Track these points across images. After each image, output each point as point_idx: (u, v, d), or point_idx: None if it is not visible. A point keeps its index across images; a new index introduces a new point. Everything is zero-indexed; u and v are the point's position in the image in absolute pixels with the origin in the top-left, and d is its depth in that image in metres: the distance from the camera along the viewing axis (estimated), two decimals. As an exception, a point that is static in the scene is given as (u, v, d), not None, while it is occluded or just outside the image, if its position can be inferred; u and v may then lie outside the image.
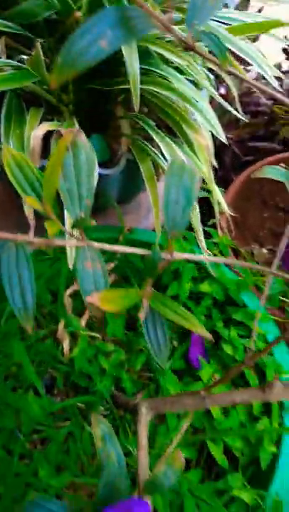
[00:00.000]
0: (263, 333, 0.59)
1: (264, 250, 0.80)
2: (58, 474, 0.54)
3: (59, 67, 0.21)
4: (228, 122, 0.89)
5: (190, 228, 0.63)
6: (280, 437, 0.53)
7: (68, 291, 0.65)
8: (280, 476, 0.50)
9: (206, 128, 0.47)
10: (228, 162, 0.85)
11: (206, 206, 0.73)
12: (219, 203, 0.56)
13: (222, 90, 0.97)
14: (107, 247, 0.27)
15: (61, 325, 0.63)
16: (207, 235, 0.66)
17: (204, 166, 0.50)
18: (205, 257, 0.33)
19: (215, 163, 0.53)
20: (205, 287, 0.61)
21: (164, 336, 0.29)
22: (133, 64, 0.39)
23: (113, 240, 0.65)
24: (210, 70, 0.66)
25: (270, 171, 0.39)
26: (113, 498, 0.27)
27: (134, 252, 0.27)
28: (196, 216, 0.51)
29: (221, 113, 0.87)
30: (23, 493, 0.51)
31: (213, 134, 0.51)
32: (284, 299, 0.64)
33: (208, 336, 0.27)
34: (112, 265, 0.67)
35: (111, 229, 0.67)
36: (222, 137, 0.48)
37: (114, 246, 0.28)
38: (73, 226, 0.28)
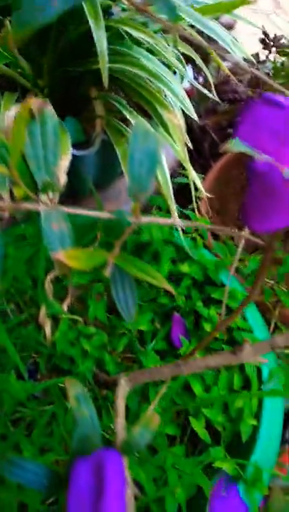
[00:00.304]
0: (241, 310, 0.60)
1: (243, 233, 0.81)
2: (42, 455, 0.54)
3: (16, 26, 0.21)
4: (207, 110, 0.90)
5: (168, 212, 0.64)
6: (259, 410, 0.54)
7: (49, 277, 0.65)
8: (260, 447, 0.51)
9: (178, 106, 0.48)
10: (208, 149, 0.86)
11: (186, 193, 0.74)
12: (197, 187, 0.56)
13: (200, 80, 0.98)
14: (72, 210, 0.28)
15: (42, 309, 0.64)
16: (187, 218, 0.67)
17: (179, 146, 0.51)
18: (176, 220, 0.34)
19: (189, 144, 0.54)
20: (184, 268, 0.62)
21: (132, 295, 0.29)
22: (101, 40, 0.40)
23: (91, 225, 0.66)
24: (188, 60, 0.67)
25: (237, 144, 0.40)
26: (86, 451, 0.28)
27: (100, 217, 0.28)
28: (166, 184, 0.52)
29: (199, 100, 0.88)
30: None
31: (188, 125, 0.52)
32: (266, 280, 0.65)
33: (170, 288, 0.28)
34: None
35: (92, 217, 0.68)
36: (194, 116, 0.49)
37: (78, 210, 0.28)
38: (41, 191, 0.28)
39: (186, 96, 0.54)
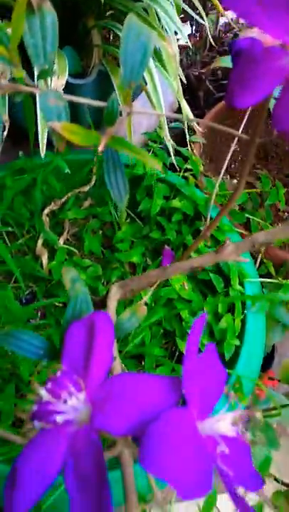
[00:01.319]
0: (230, 243, 0.63)
1: (234, 181, 0.83)
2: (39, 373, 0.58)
3: None
4: (203, 61, 0.91)
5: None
6: (242, 331, 0.57)
7: (46, 211, 0.68)
8: (242, 362, 0.55)
9: (174, 36, 0.50)
10: (203, 98, 0.88)
11: (181, 140, 0.76)
12: (191, 129, 0.58)
13: (197, 33, 0.99)
14: (68, 97, 0.30)
15: (40, 241, 0.66)
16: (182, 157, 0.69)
17: (172, 79, 0.53)
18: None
19: (183, 78, 0.56)
20: (176, 203, 0.64)
21: (123, 179, 0.32)
22: None
23: (87, 161, 0.68)
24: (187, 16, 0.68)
25: (224, 60, 0.42)
26: (79, 318, 0.31)
27: (93, 105, 0.30)
28: (159, 104, 0.54)
29: (196, 51, 0.89)
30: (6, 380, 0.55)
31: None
32: (252, 217, 0.68)
33: (159, 167, 0.31)
34: (86, 188, 0.70)
35: (86, 151, 0.70)
36: (187, 40, 0.51)
37: (74, 97, 0.31)
38: (38, 77, 0.30)
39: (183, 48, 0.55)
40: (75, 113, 0.64)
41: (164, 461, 0.20)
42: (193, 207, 0.65)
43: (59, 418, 0.24)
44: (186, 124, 0.59)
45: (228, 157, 0.59)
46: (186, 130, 0.60)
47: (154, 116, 0.79)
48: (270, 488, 0.72)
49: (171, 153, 0.59)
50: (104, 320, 0.29)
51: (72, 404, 0.25)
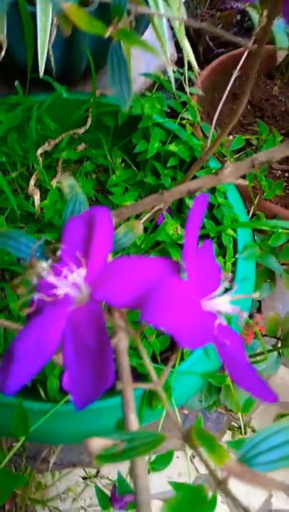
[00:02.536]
0: (223, 190, 0.63)
1: (230, 138, 0.83)
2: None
3: None
4: (203, 17, 0.90)
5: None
6: (233, 275, 0.58)
7: (39, 151, 0.67)
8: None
9: None
10: (202, 53, 0.87)
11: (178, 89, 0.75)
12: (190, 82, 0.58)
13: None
14: None
15: (32, 180, 0.66)
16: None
17: (175, 9, 0.52)
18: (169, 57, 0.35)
19: (184, 13, 0.55)
20: (172, 147, 0.64)
21: (126, 77, 0.32)
22: None
23: (83, 102, 0.67)
24: None
25: None
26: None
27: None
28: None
29: (198, 4, 0.88)
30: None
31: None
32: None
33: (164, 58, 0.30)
34: (82, 130, 0.69)
35: (82, 93, 0.69)
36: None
37: None
38: None
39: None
40: (71, 51, 0.62)
41: (168, 313, 0.20)
42: (190, 153, 0.64)
43: (60, 291, 0.24)
44: (186, 63, 0.59)
45: (220, 106, 0.59)
46: (186, 69, 0.59)
47: (153, 62, 0.78)
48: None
49: (172, 85, 0.58)
50: (104, 213, 0.29)
51: (73, 280, 0.25)
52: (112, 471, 0.87)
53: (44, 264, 0.24)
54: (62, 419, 0.51)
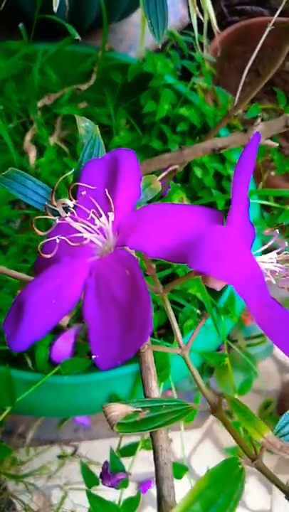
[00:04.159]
0: (234, 161, 0.59)
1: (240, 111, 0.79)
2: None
3: None
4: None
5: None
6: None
7: (39, 104, 0.61)
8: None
9: None
10: (215, 19, 0.81)
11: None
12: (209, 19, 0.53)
13: None
14: None
15: (28, 136, 0.60)
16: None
17: None
18: None
19: None
20: (183, 111, 0.59)
21: (163, 5, 0.27)
22: None
23: (89, 55, 0.61)
24: None
25: None
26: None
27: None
28: None
29: None
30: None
31: None
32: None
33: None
34: (85, 86, 0.64)
35: (89, 46, 0.63)
36: None
37: None
38: None
39: None
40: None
41: (224, 261, 0.17)
42: (201, 118, 0.60)
43: (87, 235, 0.20)
44: (205, 22, 0.54)
45: (245, 73, 0.54)
46: (205, 28, 0.55)
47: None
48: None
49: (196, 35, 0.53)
50: (131, 155, 0.25)
51: (101, 225, 0.20)
52: (90, 450, 0.85)
53: (68, 202, 0.20)
54: (50, 392, 0.48)
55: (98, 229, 0.20)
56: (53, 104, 0.62)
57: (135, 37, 0.73)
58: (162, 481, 0.19)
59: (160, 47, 0.67)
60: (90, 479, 0.48)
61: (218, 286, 0.20)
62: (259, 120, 0.35)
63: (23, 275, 0.25)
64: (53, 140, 0.62)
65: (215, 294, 0.51)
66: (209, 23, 0.79)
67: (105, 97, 0.63)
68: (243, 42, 0.80)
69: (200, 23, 0.63)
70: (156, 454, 0.20)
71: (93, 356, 0.18)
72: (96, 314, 0.19)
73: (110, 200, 0.21)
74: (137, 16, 0.71)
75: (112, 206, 0.21)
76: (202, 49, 0.73)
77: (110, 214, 0.20)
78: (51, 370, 0.47)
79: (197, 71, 0.61)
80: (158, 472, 0.19)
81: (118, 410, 0.19)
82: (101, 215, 0.20)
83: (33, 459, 0.79)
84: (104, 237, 0.21)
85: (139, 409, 0.19)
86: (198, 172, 0.58)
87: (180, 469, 0.47)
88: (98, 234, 0.20)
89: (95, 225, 0.20)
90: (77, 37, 0.49)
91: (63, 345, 0.52)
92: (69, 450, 0.85)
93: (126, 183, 0.24)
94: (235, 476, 0.17)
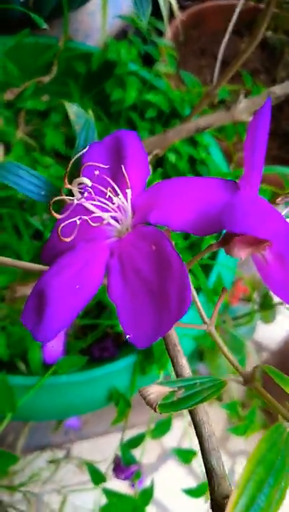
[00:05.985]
0: (205, 144, 0.59)
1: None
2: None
3: None
4: None
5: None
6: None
7: (2, 98, 0.59)
8: (222, 255, 0.53)
9: None
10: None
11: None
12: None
13: None
14: None
15: (-6, 132, 0.58)
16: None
17: None
18: None
19: None
20: (151, 97, 0.59)
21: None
22: None
23: (49, 46, 0.60)
24: None
25: None
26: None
27: None
28: None
29: None
30: None
31: None
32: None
33: None
34: (47, 79, 0.62)
35: (48, 36, 0.61)
36: None
37: None
38: None
39: None
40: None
41: (261, 220, 0.17)
42: (169, 104, 0.60)
43: (106, 215, 0.19)
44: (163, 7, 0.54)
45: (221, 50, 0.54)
46: (166, 13, 0.54)
47: (123, 7, 0.72)
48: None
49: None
50: (133, 136, 0.24)
51: (120, 203, 0.20)
52: (82, 451, 0.84)
53: (85, 180, 0.19)
54: (48, 394, 0.46)
55: (117, 207, 0.20)
56: (16, 99, 0.59)
57: (91, 26, 0.72)
58: (210, 454, 0.19)
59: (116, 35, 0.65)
60: (96, 477, 0.47)
61: (243, 254, 0.20)
62: (242, 96, 0.35)
63: (28, 264, 0.24)
64: (19, 135, 0.60)
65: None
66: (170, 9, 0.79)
67: (69, 88, 0.62)
68: (198, 26, 0.81)
69: (157, 8, 0.62)
70: (198, 428, 0.20)
71: (127, 336, 0.18)
72: (123, 294, 0.19)
73: (126, 176, 0.21)
74: (92, 4, 0.70)
75: (129, 184, 0.21)
76: (161, 35, 0.73)
77: (128, 191, 0.20)
78: (46, 373, 0.45)
79: (160, 57, 0.61)
80: (203, 445, 0.19)
81: (156, 392, 0.19)
82: (118, 194, 0.20)
83: (25, 466, 0.77)
84: (124, 215, 0.20)
85: (175, 389, 0.19)
86: (172, 157, 0.58)
87: (187, 454, 0.47)
88: (117, 212, 0.20)
89: (114, 203, 0.19)
90: (45, 26, 0.47)
91: (54, 345, 0.51)
92: (61, 454, 0.83)
93: (134, 162, 0.23)
94: (284, 440, 0.17)
